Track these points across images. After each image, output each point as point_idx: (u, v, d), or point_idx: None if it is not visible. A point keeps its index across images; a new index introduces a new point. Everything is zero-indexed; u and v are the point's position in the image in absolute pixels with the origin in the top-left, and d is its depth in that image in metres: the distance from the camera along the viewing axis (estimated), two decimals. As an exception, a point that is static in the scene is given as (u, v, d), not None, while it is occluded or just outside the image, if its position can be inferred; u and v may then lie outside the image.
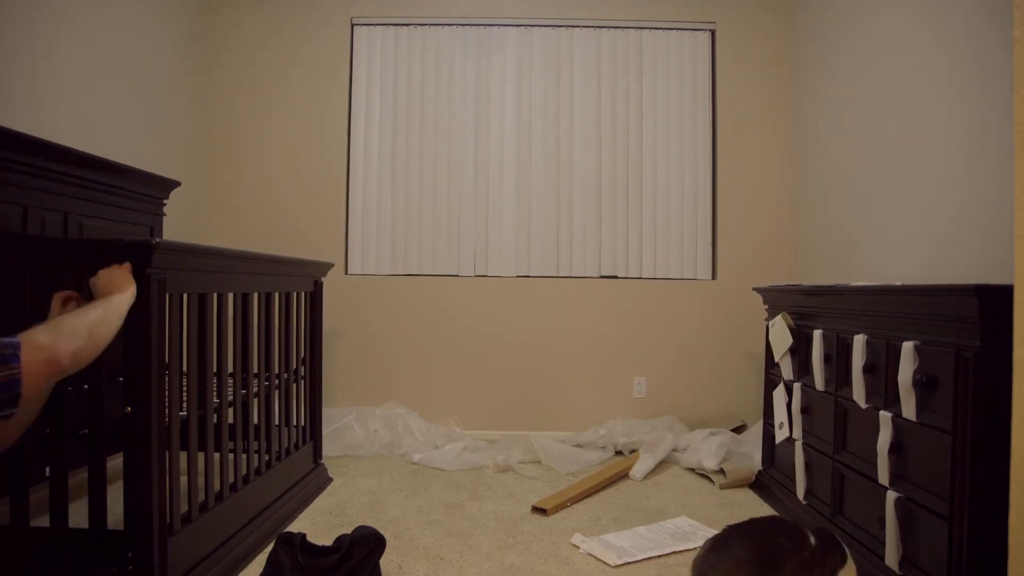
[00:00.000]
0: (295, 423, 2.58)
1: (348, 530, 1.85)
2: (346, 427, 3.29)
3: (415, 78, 3.65)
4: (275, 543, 1.77)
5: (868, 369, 1.89)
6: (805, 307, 2.39)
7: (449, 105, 3.64)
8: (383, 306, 3.56)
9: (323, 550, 1.76)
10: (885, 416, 1.78)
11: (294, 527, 2.23)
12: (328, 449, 3.03)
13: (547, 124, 3.64)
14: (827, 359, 2.17)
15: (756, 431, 3.09)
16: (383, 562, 1.85)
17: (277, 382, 2.40)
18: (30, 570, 1.57)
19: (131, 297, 1.40)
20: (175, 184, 2.81)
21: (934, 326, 1.63)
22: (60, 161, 2.14)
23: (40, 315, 1.58)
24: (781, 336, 2.49)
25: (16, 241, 1.77)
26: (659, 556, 2.05)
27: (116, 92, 2.81)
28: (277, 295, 2.41)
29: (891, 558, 1.72)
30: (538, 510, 2.45)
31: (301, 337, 2.65)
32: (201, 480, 1.82)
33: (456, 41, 3.65)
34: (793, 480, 2.38)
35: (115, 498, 1.58)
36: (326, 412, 3.03)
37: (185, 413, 1.76)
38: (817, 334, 2.21)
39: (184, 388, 1.78)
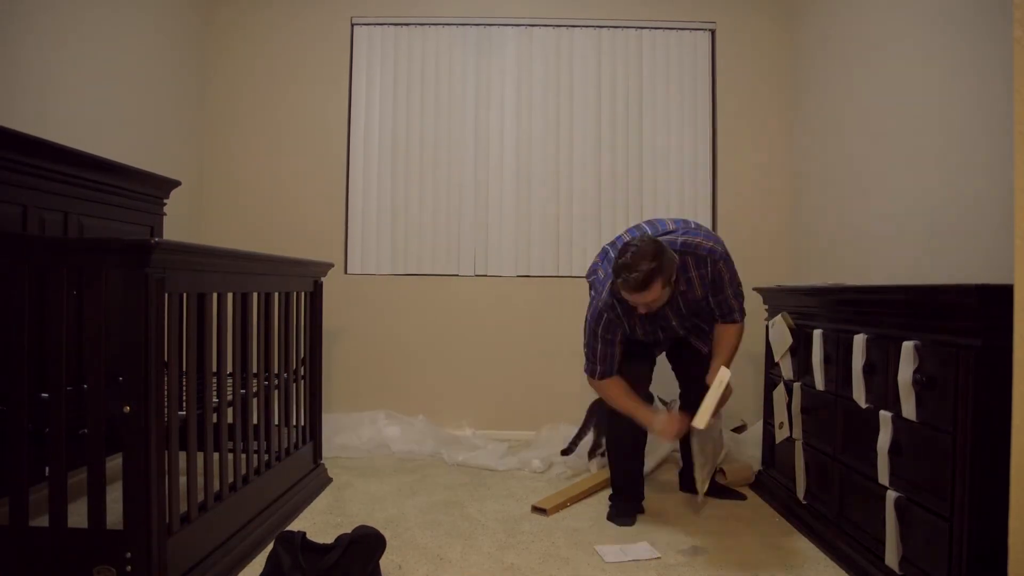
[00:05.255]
0: (295, 423, 2.58)
1: (348, 530, 1.85)
2: (347, 428, 3.29)
3: (415, 78, 3.65)
4: (275, 542, 1.77)
5: (868, 369, 1.89)
6: (805, 307, 2.39)
7: (449, 105, 3.64)
8: (383, 306, 3.57)
9: (323, 549, 1.76)
10: (885, 416, 1.78)
11: (294, 527, 2.23)
12: (327, 450, 3.03)
13: (547, 124, 3.64)
14: (827, 359, 2.17)
15: (756, 431, 3.09)
16: (383, 562, 1.85)
17: (277, 382, 2.40)
18: (30, 570, 1.57)
19: None
20: (175, 184, 2.81)
21: (934, 326, 1.63)
22: (60, 161, 2.14)
23: (39, 315, 1.59)
24: (781, 336, 2.49)
25: (16, 241, 1.77)
26: (659, 556, 2.05)
27: (116, 92, 2.81)
28: (277, 295, 2.41)
29: (891, 558, 1.72)
30: (538, 510, 2.45)
31: (301, 337, 2.65)
32: (200, 480, 1.82)
33: (456, 41, 3.65)
34: (793, 480, 2.38)
35: (115, 498, 1.58)
36: (328, 416, 3.03)
37: (184, 413, 1.76)
38: (817, 334, 2.21)
39: (183, 388, 1.78)
